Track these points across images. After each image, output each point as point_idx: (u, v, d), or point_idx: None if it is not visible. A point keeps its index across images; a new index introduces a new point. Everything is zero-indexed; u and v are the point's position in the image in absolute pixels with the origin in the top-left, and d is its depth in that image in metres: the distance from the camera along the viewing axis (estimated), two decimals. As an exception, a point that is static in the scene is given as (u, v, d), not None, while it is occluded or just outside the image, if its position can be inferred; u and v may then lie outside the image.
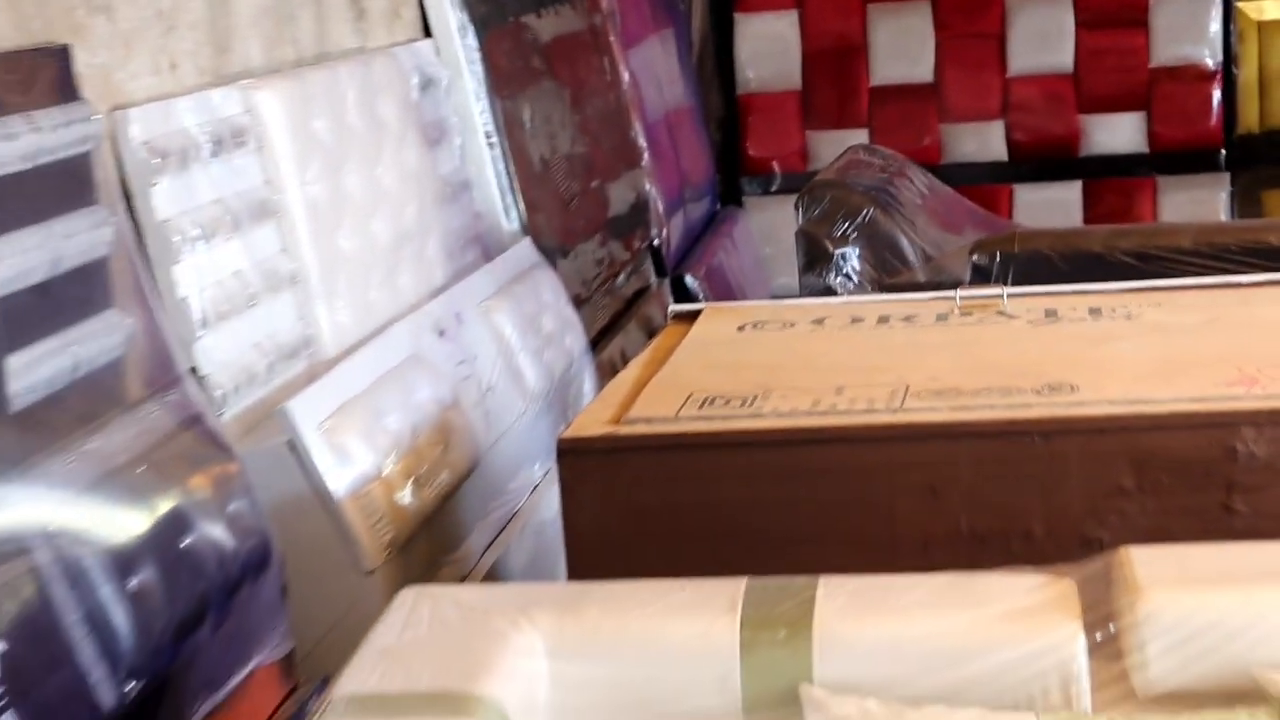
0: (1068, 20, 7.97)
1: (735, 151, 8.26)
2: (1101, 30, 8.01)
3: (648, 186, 6.57)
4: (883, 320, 4.19)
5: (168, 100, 3.53)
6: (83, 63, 3.18)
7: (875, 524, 3.03)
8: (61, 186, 2.90)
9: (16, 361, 2.65)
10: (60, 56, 3.07)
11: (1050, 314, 4.11)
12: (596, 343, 5.51)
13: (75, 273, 2.86)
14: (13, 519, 2.58)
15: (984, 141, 8.07)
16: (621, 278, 6.12)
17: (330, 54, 4.70)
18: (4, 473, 2.58)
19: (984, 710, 2.32)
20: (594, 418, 3.50)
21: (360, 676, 2.38)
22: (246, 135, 3.81)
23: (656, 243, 6.64)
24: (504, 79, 5.44)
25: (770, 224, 7.72)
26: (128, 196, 3.33)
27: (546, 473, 4.55)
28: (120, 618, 2.71)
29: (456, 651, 2.42)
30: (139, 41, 3.61)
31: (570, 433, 3.45)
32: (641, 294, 6.30)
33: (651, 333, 5.51)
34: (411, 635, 2.48)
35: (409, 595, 2.61)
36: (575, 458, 3.34)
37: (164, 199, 3.38)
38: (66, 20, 3.28)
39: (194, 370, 3.28)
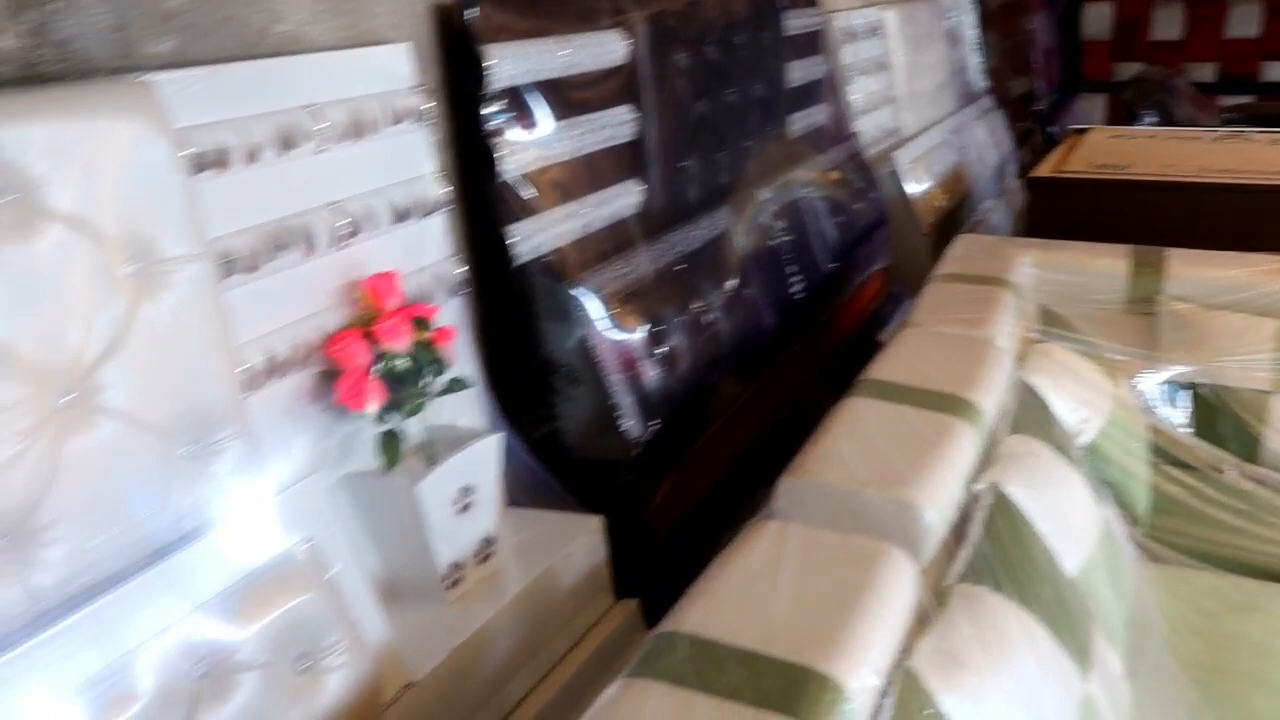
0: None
1: (1075, 68, 8.20)
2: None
3: (1035, 81, 6.87)
4: (1175, 138, 4.37)
5: (849, 11, 3.93)
6: (823, -11, 3.65)
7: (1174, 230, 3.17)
8: (809, 44, 3.43)
9: (792, 119, 3.31)
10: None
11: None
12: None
13: (812, 83, 3.45)
14: (795, 181, 3.19)
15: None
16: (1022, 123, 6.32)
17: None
18: (788, 168, 3.21)
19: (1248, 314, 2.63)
20: (1039, 171, 3.86)
21: (947, 264, 2.74)
22: (879, 30, 4.19)
23: (1039, 108, 6.84)
24: (986, 19, 5.68)
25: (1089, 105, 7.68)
26: (835, 52, 3.75)
27: (993, 200, 4.89)
28: (832, 232, 3.33)
29: (994, 259, 2.74)
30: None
31: (1032, 174, 3.85)
32: (1029, 133, 6.46)
33: (1033, 149, 5.80)
34: (966, 253, 2.80)
35: (963, 238, 2.98)
36: (1034, 186, 3.76)
37: (847, 54, 3.83)
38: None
39: (855, 133, 3.76)
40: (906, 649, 1.41)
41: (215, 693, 1.35)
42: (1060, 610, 1.69)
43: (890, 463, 1.72)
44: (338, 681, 1.47)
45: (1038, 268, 2.79)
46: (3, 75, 1.36)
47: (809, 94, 3.42)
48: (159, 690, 1.29)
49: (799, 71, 3.33)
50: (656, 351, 2.23)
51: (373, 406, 1.66)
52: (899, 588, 1.46)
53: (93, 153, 1.34)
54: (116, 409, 1.35)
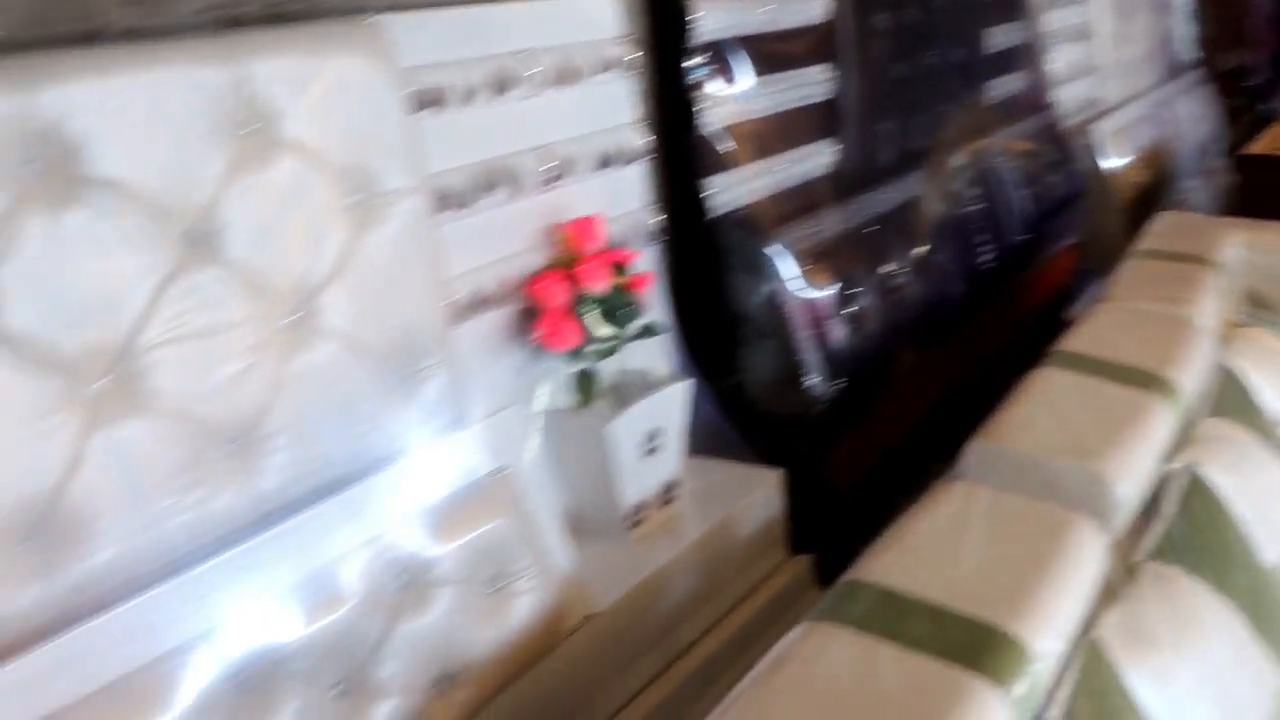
0: None
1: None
2: None
3: (1251, 54, 6.41)
4: None
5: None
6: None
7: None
8: (1010, 8, 3.36)
9: (990, 85, 3.22)
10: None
11: None
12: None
13: (1012, 49, 3.35)
14: (990, 149, 3.13)
15: None
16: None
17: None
18: (983, 135, 3.13)
19: None
20: (1253, 148, 3.81)
21: (1147, 240, 2.68)
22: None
23: (1252, 83, 6.38)
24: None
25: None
26: (1038, 17, 3.61)
27: (1196, 178, 4.65)
28: (1024, 203, 3.26)
29: (1198, 237, 2.65)
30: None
31: (1245, 150, 3.78)
32: (1240, 109, 5.97)
33: (1242, 127, 5.35)
34: (1167, 230, 2.74)
35: (1165, 214, 2.91)
36: (1246, 165, 3.78)
37: (1050, 20, 3.66)
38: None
39: (1053, 103, 3.63)
40: (1092, 621, 1.39)
41: (413, 604, 1.42)
42: (1257, 599, 1.63)
43: (1082, 434, 1.69)
44: (525, 605, 1.53)
45: (1247, 249, 2.68)
46: (249, 14, 1.44)
47: (1008, 60, 3.33)
48: (364, 595, 1.37)
49: (999, 37, 3.26)
50: (844, 312, 2.24)
51: (569, 345, 1.71)
52: (1087, 557, 1.43)
53: (326, 88, 1.42)
54: (335, 331, 1.43)
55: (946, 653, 1.19)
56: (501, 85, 1.71)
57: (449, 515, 1.49)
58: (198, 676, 1.23)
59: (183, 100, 1.29)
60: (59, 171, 1.19)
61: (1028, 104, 3.44)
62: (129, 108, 1.24)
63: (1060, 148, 3.56)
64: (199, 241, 1.30)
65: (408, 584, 1.42)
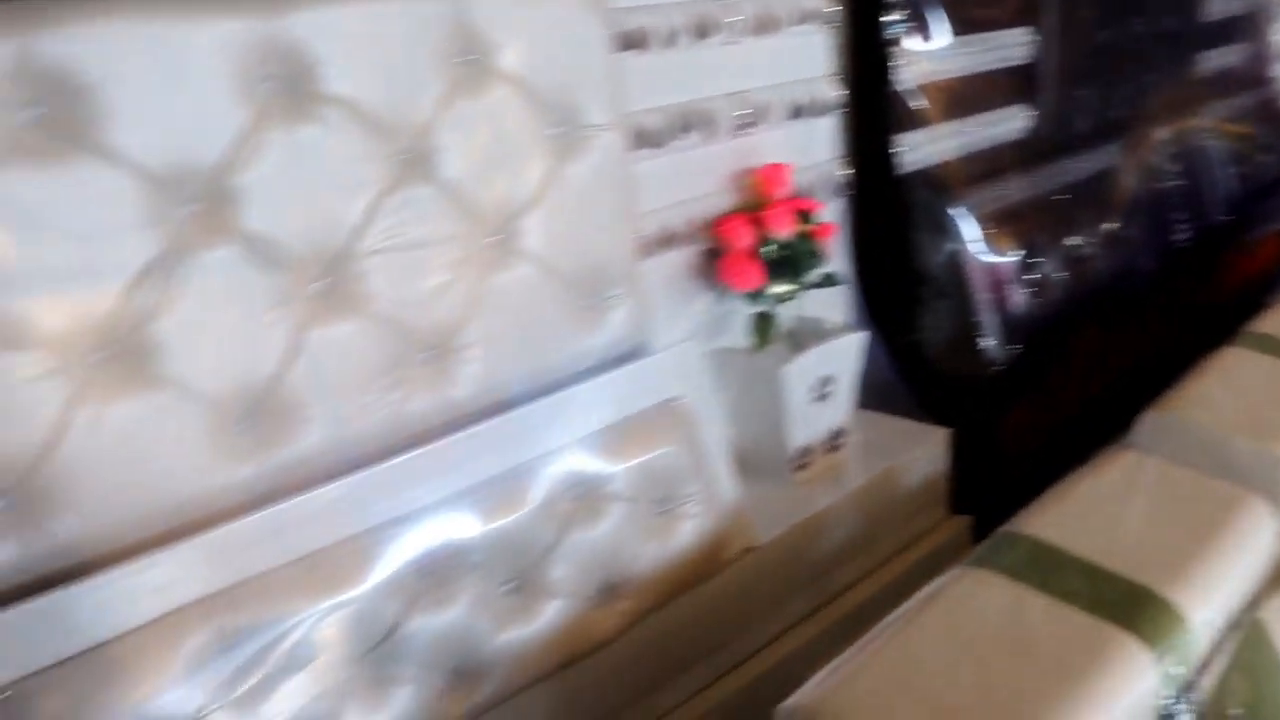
0: None
1: None
2: None
3: None
4: None
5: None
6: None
7: None
8: None
9: (1204, 56, 3.12)
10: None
11: None
12: None
13: (1232, 19, 3.21)
14: (1197, 123, 3.05)
15: None
16: None
17: None
18: (1191, 109, 3.03)
19: None
20: None
21: None
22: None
23: None
24: None
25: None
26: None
27: None
28: (1230, 183, 3.16)
29: None
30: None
31: None
32: None
33: None
34: None
35: None
36: None
37: None
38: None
39: (1275, 78, 3.43)
40: (1256, 600, 1.38)
41: (585, 516, 1.51)
42: None
43: (1266, 415, 1.67)
44: (690, 529, 1.60)
45: None
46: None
47: (1227, 30, 3.21)
48: (540, 502, 1.47)
49: (1218, 4, 3.13)
50: (1026, 278, 2.23)
51: (751, 287, 1.77)
52: (1258, 537, 1.42)
53: (538, 23, 1.50)
54: (532, 254, 1.51)
55: (1098, 608, 1.21)
56: (702, 30, 1.76)
57: (624, 437, 1.56)
58: (385, 558, 1.34)
59: (407, 27, 1.38)
60: (297, 88, 1.29)
61: (1245, 77, 3.31)
62: (359, 32, 1.34)
63: (1277, 127, 3.39)
64: (415, 160, 1.39)
65: (581, 496, 1.51)
